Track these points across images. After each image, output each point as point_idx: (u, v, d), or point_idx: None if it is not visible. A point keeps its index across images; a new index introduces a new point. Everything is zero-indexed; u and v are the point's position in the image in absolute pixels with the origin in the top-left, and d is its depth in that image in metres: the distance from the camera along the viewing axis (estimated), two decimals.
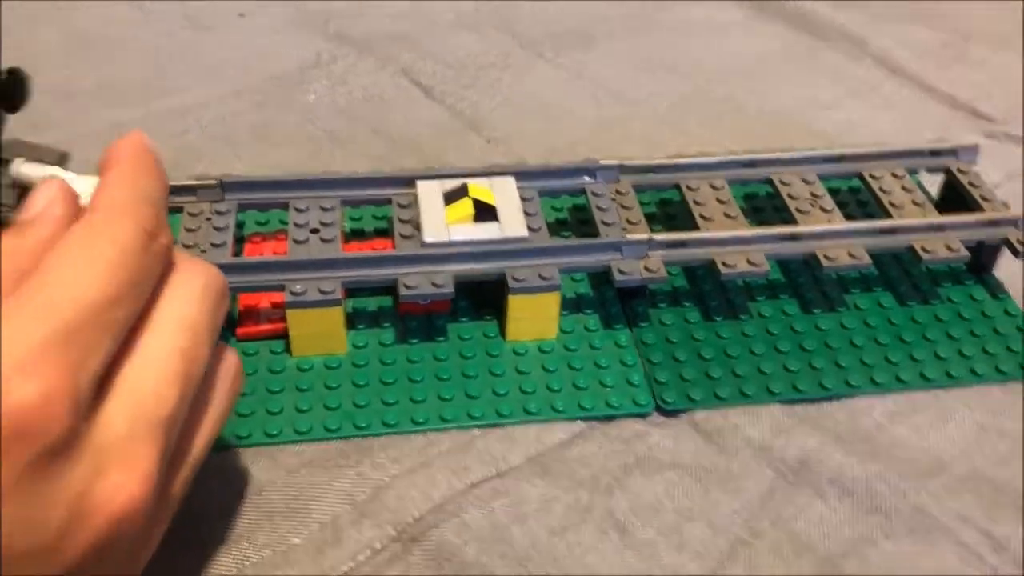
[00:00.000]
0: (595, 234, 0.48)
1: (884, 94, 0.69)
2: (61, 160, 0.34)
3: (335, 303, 0.43)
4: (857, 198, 0.56)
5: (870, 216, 0.52)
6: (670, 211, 0.54)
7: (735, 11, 0.77)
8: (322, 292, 0.43)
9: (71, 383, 0.25)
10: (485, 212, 0.46)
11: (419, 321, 0.47)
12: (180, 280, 0.30)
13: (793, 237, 0.47)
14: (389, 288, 0.45)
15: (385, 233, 0.52)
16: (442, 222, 0.46)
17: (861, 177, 0.53)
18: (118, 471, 0.26)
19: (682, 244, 0.46)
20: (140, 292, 0.28)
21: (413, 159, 0.59)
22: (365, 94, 0.65)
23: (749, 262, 0.46)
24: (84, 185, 0.32)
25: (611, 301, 0.48)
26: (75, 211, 0.30)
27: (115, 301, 0.27)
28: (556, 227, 0.53)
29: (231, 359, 0.33)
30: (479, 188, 0.47)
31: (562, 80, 0.68)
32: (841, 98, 0.68)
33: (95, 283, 0.26)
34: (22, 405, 0.23)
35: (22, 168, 0.33)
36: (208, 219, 0.46)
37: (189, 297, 0.30)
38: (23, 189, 0.33)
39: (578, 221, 0.54)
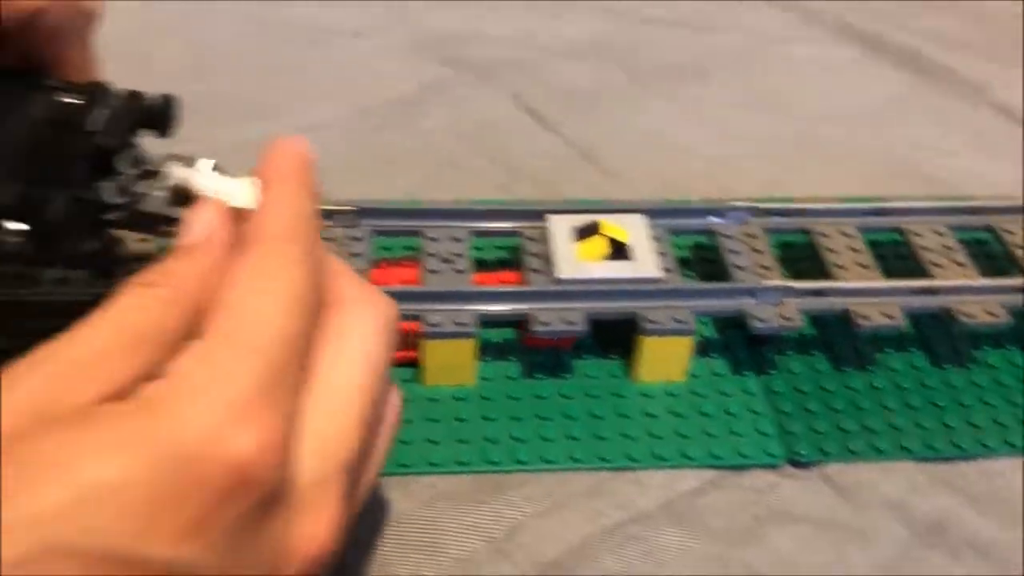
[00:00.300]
0: (724, 277, 0.48)
1: (1004, 143, 0.67)
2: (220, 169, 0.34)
3: (469, 335, 0.43)
4: (985, 251, 0.55)
5: (1000, 271, 0.51)
6: (792, 255, 0.53)
7: (848, 50, 0.76)
8: (457, 324, 0.43)
9: (282, 429, 0.24)
10: (617, 250, 0.46)
11: (544, 356, 0.47)
12: (359, 312, 0.29)
13: (930, 291, 0.47)
14: (515, 321, 0.45)
15: (506, 264, 0.52)
16: (574, 258, 0.46)
17: (992, 230, 0.52)
18: (311, 519, 0.26)
19: (819, 293, 0.46)
20: (315, 324, 0.28)
21: (531, 189, 0.59)
22: (481, 121, 0.66)
23: (884, 315, 0.45)
24: (238, 187, 0.32)
25: (738, 345, 0.48)
26: (234, 233, 0.30)
27: (303, 336, 0.26)
28: (678, 266, 0.52)
29: (395, 396, 0.32)
30: (611, 225, 0.47)
31: (675, 114, 0.68)
32: (960, 146, 0.67)
33: (287, 319, 0.26)
34: (240, 457, 0.23)
35: (175, 171, 0.33)
36: (343, 245, 0.47)
37: (370, 331, 0.29)
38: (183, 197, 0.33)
39: (701, 260, 0.53)
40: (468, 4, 0.79)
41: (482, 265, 0.52)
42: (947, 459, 0.44)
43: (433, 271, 0.46)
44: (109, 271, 0.35)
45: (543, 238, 0.48)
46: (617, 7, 0.80)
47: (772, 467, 0.43)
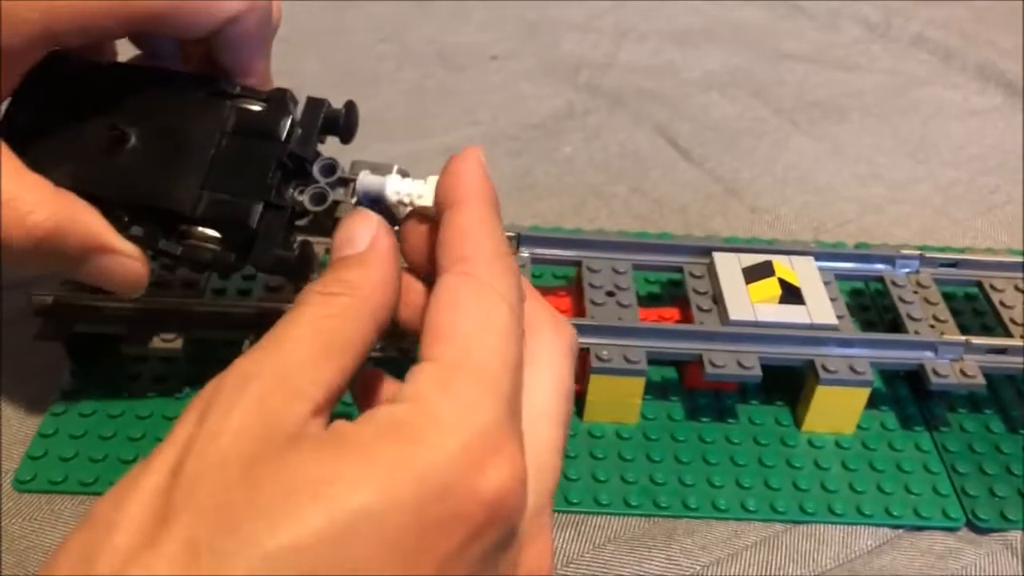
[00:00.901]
0: (889, 326, 0.46)
1: None
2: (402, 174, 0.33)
3: (640, 373, 0.42)
4: None
5: None
6: (955, 307, 0.51)
7: (992, 96, 0.74)
8: (628, 360, 0.42)
9: (522, 462, 0.24)
10: (791, 294, 0.45)
11: (707, 398, 0.45)
12: (549, 338, 0.28)
13: None
14: (679, 360, 0.44)
15: (658, 299, 0.51)
16: (747, 300, 0.44)
17: None
18: (533, 551, 0.25)
19: (1002, 351, 0.44)
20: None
21: (677, 222, 0.58)
22: (621, 150, 0.65)
23: None
24: (425, 189, 0.32)
25: (906, 400, 0.46)
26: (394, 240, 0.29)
27: (521, 365, 0.26)
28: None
29: None
30: (782, 267, 0.46)
31: (820, 152, 0.66)
32: None
33: (511, 349, 0.25)
34: (494, 491, 0.22)
35: (368, 179, 0.33)
36: None
37: (557, 357, 0.28)
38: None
39: (858, 307, 0.51)
40: (603, 30, 0.78)
41: (639, 300, 0.51)
42: None
43: (596, 303, 0.45)
44: (304, 276, 0.35)
45: (709, 275, 0.46)
46: (753, 38, 0.79)
47: (951, 530, 0.41)
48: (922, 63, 0.78)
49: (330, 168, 0.34)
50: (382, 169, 0.33)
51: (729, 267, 0.46)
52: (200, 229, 0.34)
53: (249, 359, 0.24)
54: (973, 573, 0.39)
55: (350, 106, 0.36)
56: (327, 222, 0.34)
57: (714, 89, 0.72)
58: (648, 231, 0.57)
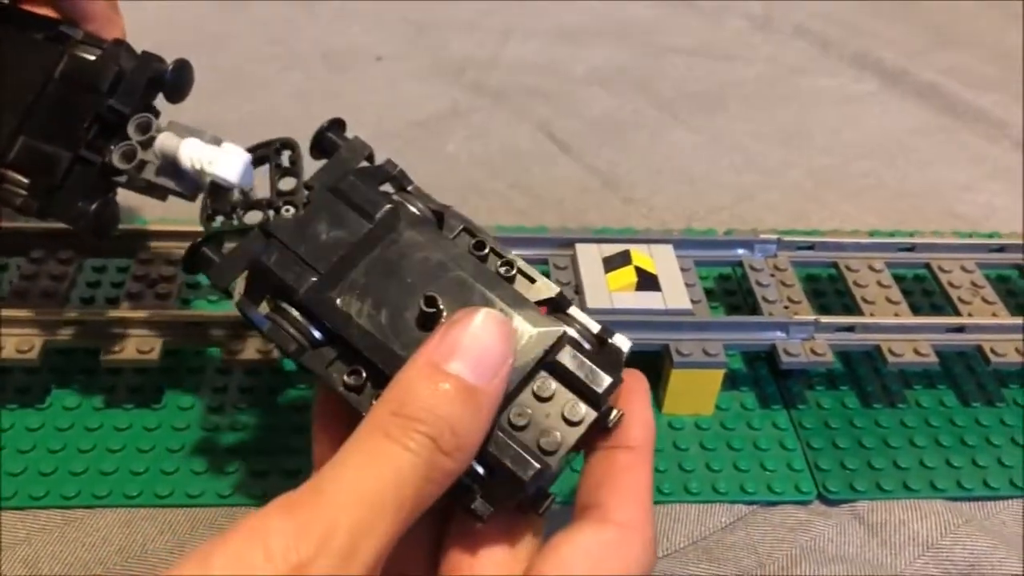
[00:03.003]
0: (751, 309, 0.47)
1: None
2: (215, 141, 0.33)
3: None
4: (1007, 288, 0.54)
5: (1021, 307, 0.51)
6: (817, 288, 0.53)
7: (868, 83, 0.76)
8: None
9: None
10: (647, 281, 0.46)
11: None
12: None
13: (959, 328, 0.46)
14: None
15: None
16: (604, 288, 0.45)
17: (1020, 268, 0.52)
18: None
19: (849, 329, 0.45)
20: None
21: (554, 216, 0.59)
22: (503, 147, 0.65)
23: (916, 352, 0.45)
24: (209, 153, 0.32)
25: (766, 379, 0.47)
26: None
27: None
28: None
29: None
30: (640, 255, 0.47)
31: (698, 143, 0.68)
32: (981, 180, 0.67)
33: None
34: None
35: (166, 140, 0.33)
36: None
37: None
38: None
39: (725, 292, 0.53)
40: (489, 29, 0.79)
41: None
42: (978, 499, 0.43)
43: None
44: (103, 235, 0.35)
45: (572, 266, 0.47)
46: (638, 35, 0.80)
47: (803, 504, 0.42)
48: (801, 52, 0.80)
49: (145, 126, 0.33)
50: (195, 134, 0.33)
51: (590, 257, 0.47)
52: (11, 173, 0.34)
53: None
54: (822, 543, 0.41)
55: (181, 64, 0.35)
56: (150, 185, 0.34)
57: (596, 84, 0.73)
58: (524, 225, 0.58)
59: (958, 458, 0.44)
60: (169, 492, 0.40)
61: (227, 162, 0.31)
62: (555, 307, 0.30)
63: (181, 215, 0.45)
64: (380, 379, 0.28)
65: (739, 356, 0.48)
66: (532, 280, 0.31)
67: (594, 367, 0.28)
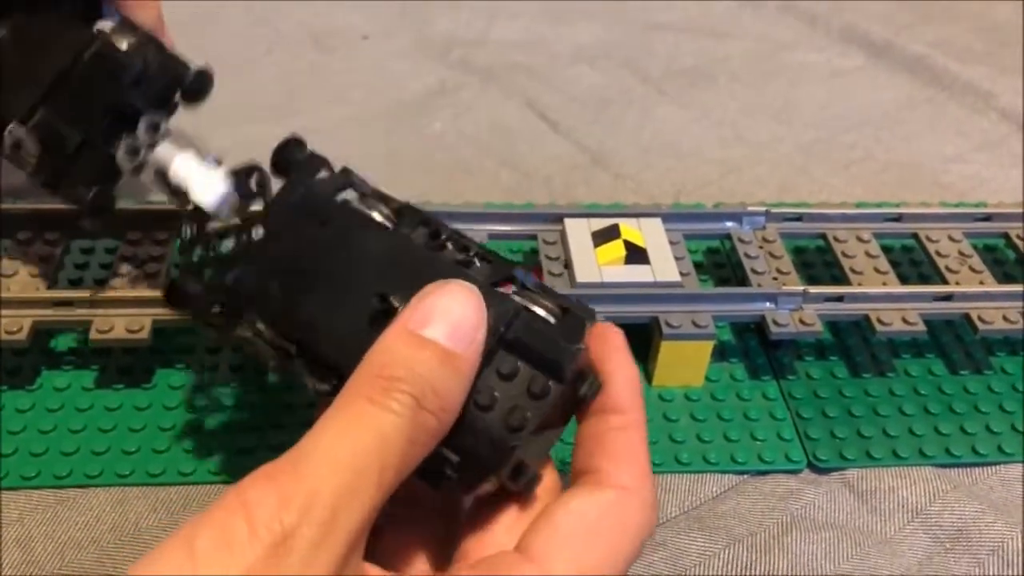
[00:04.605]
0: (740, 281, 0.48)
1: (1011, 149, 0.67)
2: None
3: None
4: (995, 257, 0.55)
5: (1014, 276, 0.51)
6: (807, 260, 0.53)
7: (855, 57, 0.77)
8: None
9: None
10: (636, 254, 0.46)
11: None
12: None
13: (947, 297, 0.46)
14: None
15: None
16: (593, 262, 0.45)
17: (1007, 237, 0.52)
18: None
19: (838, 299, 0.45)
20: None
21: (543, 192, 0.59)
22: (491, 125, 0.65)
23: (904, 320, 0.45)
24: (200, 183, 0.33)
25: (756, 351, 0.48)
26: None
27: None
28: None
29: None
30: (629, 229, 0.47)
31: (686, 119, 0.68)
32: (968, 151, 0.67)
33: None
34: None
35: (161, 150, 0.33)
36: None
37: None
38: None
39: (714, 265, 0.53)
40: (476, 8, 0.79)
41: None
42: (967, 465, 0.43)
43: None
44: (97, 220, 0.36)
45: (561, 241, 0.47)
46: (626, 12, 0.80)
47: (793, 472, 0.43)
48: (788, 28, 0.80)
49: (155, 127, 0.34)
50: (195, 150, 0.34)
51: (579, 232, 0.47)
52: (28, 140, 0.34)
53: None
54: (812, 511, 0.41)
55: (202, 71, 0.36)
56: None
57: (584, 62, 0.73)
58: (513, 202, 0.58)
59: (946, 425, 0.45)
60: (161, 470, 0.40)
61: (208, 190, 0.32)
62: (518, 284, 0.30)
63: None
64: None
65: (728, 327, 0.49)
66: (489, 261, 0.31)
67: (553, 338, 0.28)
